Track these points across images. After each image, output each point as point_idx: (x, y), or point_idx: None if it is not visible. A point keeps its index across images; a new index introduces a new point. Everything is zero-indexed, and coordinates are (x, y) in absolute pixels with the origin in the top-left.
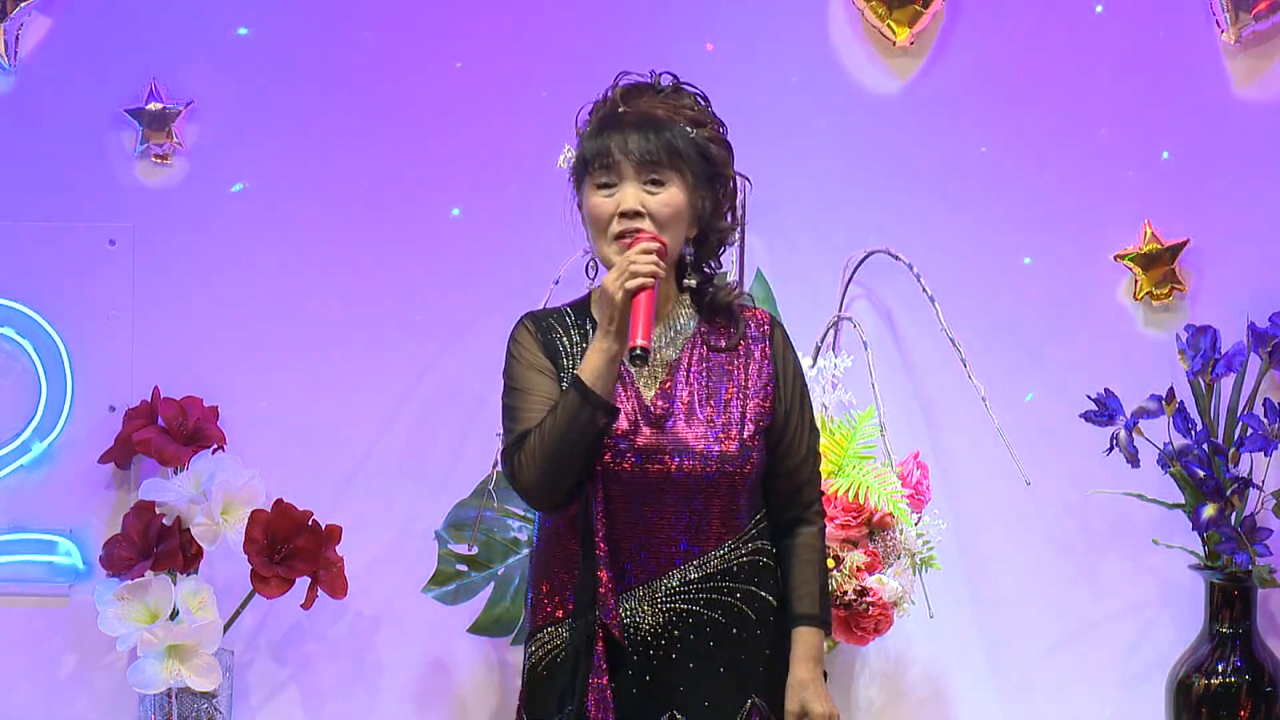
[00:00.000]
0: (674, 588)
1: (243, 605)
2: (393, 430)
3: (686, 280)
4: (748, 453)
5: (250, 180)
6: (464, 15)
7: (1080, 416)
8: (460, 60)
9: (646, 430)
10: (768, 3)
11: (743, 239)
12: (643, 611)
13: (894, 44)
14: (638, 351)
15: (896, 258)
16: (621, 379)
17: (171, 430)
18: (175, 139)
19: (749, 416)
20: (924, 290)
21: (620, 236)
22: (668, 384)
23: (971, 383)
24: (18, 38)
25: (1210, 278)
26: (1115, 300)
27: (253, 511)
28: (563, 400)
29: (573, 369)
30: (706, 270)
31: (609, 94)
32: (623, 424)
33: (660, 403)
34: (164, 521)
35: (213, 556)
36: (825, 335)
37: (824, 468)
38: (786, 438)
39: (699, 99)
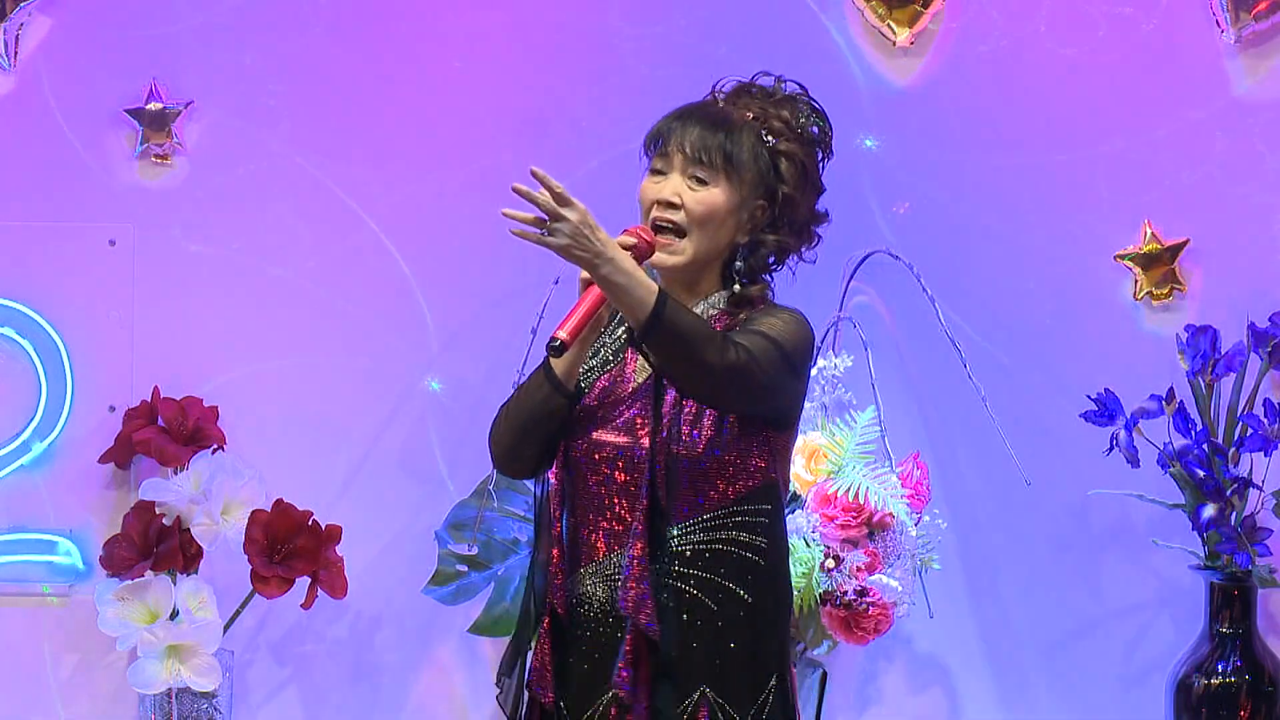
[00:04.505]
0: (620, 565)
1: (243, 605)
2: (393, 430)
3: (735, 284)
4: (711, 439)
5: (250, 180)
6: (464, 15)
7: (1080, 416)
8: (461, 59)
9: (604, 410)
10: (768, 2)
11: None
12: (595, 589)
13: (894, 44)
14: (555, 343)
15: (896, 258)
16: (623, 364)
17: (171, 430)
18: (175, 139)
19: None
20: (924, 290)
21: (656, 225)
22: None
23: (971, 383)
24: (18, 38)
25: (1210, 278)
26: (1115, 300)
27: (253, 511)
28: (534, 372)
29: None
30: (749, 279)
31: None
32: (589, 403)
33: (643, 388)
34: (164, 521)
35: (213, 556)
36: (825, 335)
37: (824, 468)
38: None
39: (806, 111)
